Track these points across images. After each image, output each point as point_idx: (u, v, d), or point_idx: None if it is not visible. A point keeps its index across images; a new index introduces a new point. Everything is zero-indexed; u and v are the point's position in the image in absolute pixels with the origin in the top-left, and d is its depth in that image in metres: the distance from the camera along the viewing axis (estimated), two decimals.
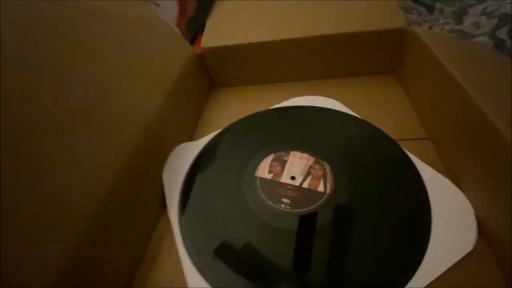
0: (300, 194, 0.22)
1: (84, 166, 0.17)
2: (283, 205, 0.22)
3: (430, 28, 0.44)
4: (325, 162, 0.24)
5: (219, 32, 0.34)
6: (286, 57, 0.33)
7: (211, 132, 0.30)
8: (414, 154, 0.24)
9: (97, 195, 0.17)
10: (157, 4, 0.37)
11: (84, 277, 0.16)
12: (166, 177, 0.24)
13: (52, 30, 0.18)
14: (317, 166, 0.24)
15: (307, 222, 0.20)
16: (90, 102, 0.20)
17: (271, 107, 0.31)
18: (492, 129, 0.17)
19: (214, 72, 0.36)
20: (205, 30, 0.34)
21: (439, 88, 0.24)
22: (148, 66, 0.27)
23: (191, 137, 0.31)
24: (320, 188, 0.22)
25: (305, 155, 0.25)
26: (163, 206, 0.24)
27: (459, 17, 0.45)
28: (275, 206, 0.22)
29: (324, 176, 0.23)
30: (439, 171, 0.22)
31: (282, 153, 0.26)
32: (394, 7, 0.31)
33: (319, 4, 0.32)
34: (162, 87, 0.27)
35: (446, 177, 0.22)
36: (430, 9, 0.47)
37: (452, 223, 0.19)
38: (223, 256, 0.20)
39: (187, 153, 0.27)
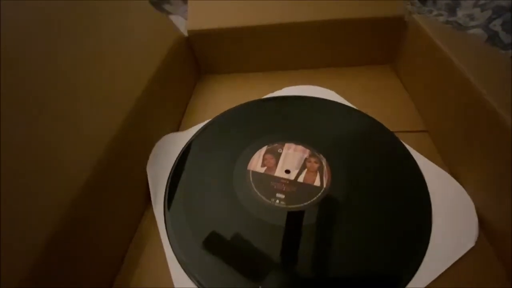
0: (296, 188, 0.21)
1: (58, 157, 0.15)
2: (277, 201, 0.20)
3: None
4: (321, 155, 0.23)
5: (206, 13, 0.31)
6: (279, 43, 0.31)
7: (199, 122, 0.28)
8: (412, 146, 0.23)
9: (74, 188, 0.15)
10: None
11: (61, 275, 0.14)
12: (151, 170, 0.22)
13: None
14: (313, 159, 0.23)
15: (301, 218, 0.19)
16: (63, 86, 0.18)
17: (264, 97, 0.30)
18: (493, 116, 0.17)
19: (202, 58, 0.34)
20: (189, 11, 0.31)
21: (439, 76, 0.23)
22: (129, 50, 0.24)
23: (177, 127, 0.29)
24: (317, 182, 0.21)
25: (300, 147, 0.24)
26: (147, 201, 0.22)
27: (452, 9, 0.44)
28: (269, 201, 0.20)
29: (320, 169, 0.22)
30: (436, 164, 0.22)
31: (276, 145, 0.24)
32: None
33: None
34: (145, 72, 0.25)
35: (444, 169, 0.21)
36: (423, 0, 0.46)
37: (452, 218, 0.18)
38: (211, 254, 0.18)
39: (173, 145, 0.25)
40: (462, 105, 0.20)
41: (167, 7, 0.34)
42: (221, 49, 0.32)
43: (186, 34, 0.31)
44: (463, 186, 0.20)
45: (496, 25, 0.36)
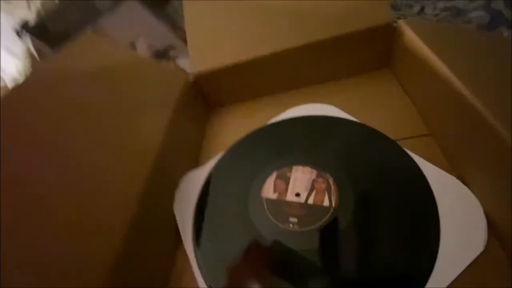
0: (307, 211, 0.23)
1: (96, 216, 0.19)
2: (291, 225, 0.22)
3: (422, 8, 0.43)
4: (327, 174, 0.24)
5: (206, 54, 0.34)
6: (278, 68, 0.33)
7: (215, 155, 0.31)
8: (417, 152, 0.24)
9: (115, 243, 0.18)
10: None
11: None
12: (177, 210, 0.26)
13: None
14: (320, 179, 0.24)
15: (313, 240, 0.21)
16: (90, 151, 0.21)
17: (269, 122, 0.32)
18: (485, 122, 0.17)
19: (210, 94, 0.37)
20: (190, 54, 0.34)
21: (431, 81, 0.23)
22: (144, 105, 0.28)
23: (197, 163, 0.32)
24: (326, 203, 0.23)
25: (307, 168, 0.25)
26: (179, 240, 0.25)
27: None
28: (283, 226, 0.22)
29: (328, 189, 0.24)
30: (443, 168, 0.22)
31: (285, 169, 0.26)
32: (379, 1, 0.30)
33: (298, 10, 0.32)
34: (160, 122, 0.28)
35: (450, 173, 0.22)
36: None
37: (461, 223, 0.19)
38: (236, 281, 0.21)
39: (194, 182, 0.28)
40: (456, 110, 0.21)
41: (172, 53, 0.37)
42: (225, 83, 0.35)
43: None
44: (471, 190, 0.20)
45: (498, 3, 0.35)
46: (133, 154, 0.24)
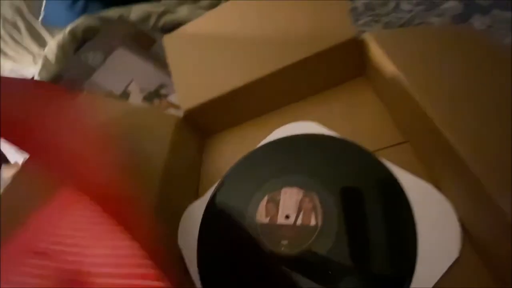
0: (296, 232, 0.24)
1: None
2: (282, 248, 0.24)
3: (397, 4, 0.43)
4: (313, 193, 0.26)
5: (191, 91, 0.36)
6: (260, 93, 0.35)
7: (213, 184, 0.33)
8: (394, 161, 0.25)
9: None
10: None
11: None
12: (182, 244, 0.28)
13: None
14: (306, 199, 0.26)
15: (297, 265, 0.22)
16: None
17: (257, 146, 0.34)
18: (441, 135, 0.18)
19: (202, 125, 0.39)
20: (177, 92, 0.37)
21: (397, 91, 0.24)
22: (142, 150, 0.31)
23: (197, 194, 0.34)
24: (312, 222, 0.24)
25: (294, 189, 0.27)
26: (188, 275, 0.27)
27: None
28: (275, 250, 0.24)
29: (314, 207, 0.25)
30: (420, 175, 0.23)
31: (275, 192, 0.28)
32: (341, 15, 0.31)
33: (270, 39, 0.33)
34: (158, 162, 0.31)
35: (427, 180, 0.23)
36: None
37: (436, 231, 0.20)
38: None
39: (195, 214, 0.31)
40: (419, 120, 0.22)
41: (163, 91, 0.40)
42: (214, 113, 0.38)
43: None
44: (446, 196, 0.21)
45: None
46: (134, 200, 0.27)
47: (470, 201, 0.19)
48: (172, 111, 0.36)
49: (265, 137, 0.34)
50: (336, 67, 0.32)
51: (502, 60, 0.23)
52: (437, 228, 0.20)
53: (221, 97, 0.35)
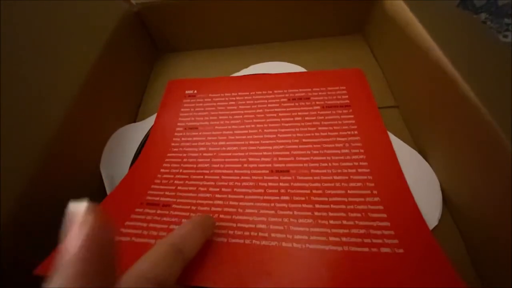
0: None
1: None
2: None
3: None
4: None
5: None
6: (243, 15, 0.28)
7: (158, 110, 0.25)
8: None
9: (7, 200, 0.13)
10: None
11: None
12: (105, 170, 0.20)
13: None
14: None
15: None
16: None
17: (230, 76, 0.27)
18: (461, 97, 0.16)
19: (158, 34, 0.30)
20: None
21: (407, 50, 0.22)
22: (70, 29, 0.21)
23: (135, 117, 0.26)
24: None
25: None
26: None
27: None
28: None
29: None
30: (406, 141, 0.21)
31: None
32: None
33: None
34: (89, 53, 0.21)
35: (413, 146, 0.21)
36: None
37: (418, 197, 0.18)
38: None
39: (130, 139, 0.23)
40: (427, 80, 0.19)
41: None
42: (179, 24, 0.29)
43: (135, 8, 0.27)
44: (430, 164, 0.20)
45: None
46: (52, 84, 0.18)
47: (455, 170, 0.18)
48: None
49: (237, 70, 0.28)
50: (338, 13, 0.28)
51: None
52: (419, 195, 0.18)
53: (190, 0, 0.27)
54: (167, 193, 0.19)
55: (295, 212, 0.17)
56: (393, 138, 0.21)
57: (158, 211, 0.17)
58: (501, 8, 0.33)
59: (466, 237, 0.17)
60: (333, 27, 0.30)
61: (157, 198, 0.18)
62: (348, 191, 0.18)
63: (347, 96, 0.23)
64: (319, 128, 0.21)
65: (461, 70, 0.17)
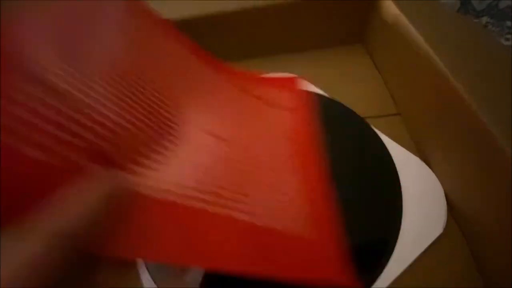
0: None
1: None
2: None
3: None
4: None
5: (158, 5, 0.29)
6: (243, 30, 0.30)
7: None
8: (384, 131, 0.23)
9: None
10: None
11: None
12: None
13: None
14: None
15: None
16: None
17: None
18: (463, 104, 0.16)
19: None
20: None
21: (408, 58, 0.22)
22: None
23: None
24: None
25: None
26: None
27: None
28: None
29: None
30: (409, 148, 0.22)
31: None
32: None
33: None
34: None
35: (415, 154, 0.21)
36: None
37: (422, 205, 0.19)
38: None
39: None
40: (429, 88, 0.20)
41: None
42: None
43: None
44: (434, 171, 0.20)
45: None
46: None
47: (458, 176, 0.18)
48: None
49: None
50: (338, 24, 0.29)
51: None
52: (423, 203, 0.19)
53: (193, 19, 0.28)
54: None
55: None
56: (395, 146, 0.22)
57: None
58: (503, 11, 0.33)
59: (471, 244, 0.17)
60: (333, 38, 0.31)
61: None
62: None
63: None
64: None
65: (461, 79, 0.17)
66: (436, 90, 0.19)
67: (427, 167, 0.20)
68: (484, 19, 0.33)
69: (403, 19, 0.22)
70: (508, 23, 0.32)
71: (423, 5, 0.24)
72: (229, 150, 0.16)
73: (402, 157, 0.21)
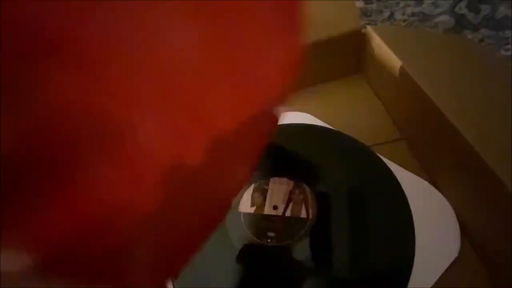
0: (285, 224, 0.22)
1: None
2: (269, 240, 0.22)
3: (392, 14, 0.44)
4: (304, 184, 0.24)
5: None
6: None
7: None
8: (391, 157, 0.24)
9: None
10: None
11: None
12: None
13: None
14: (297, 190, 0.24)
15: (284, 255, 0.20)
16: None
17: None
18: (448, 125, 0.17)
19: None
20: None
21: (398, 86, 0.24)
22: None
23: None
24: (303, 214, 0.22)
25: (284, 179, 0.25)
26: None
27: None
28: (261, 242, 0.22)
29: (305, 200, 0.23)
30: (416, 172, 0.22)
31: (262, 181, 0.25)
32: (348, 7, 0.30)
33: None
34: None
35: (424, 177, 0.22)
36: None
37: (435, 230, 0.19)
38: None
39: None
40: (421, 113, 0.21)
41: None
42: None
43: None
44: (443, 194, 0.20)
45: (461, 7, 0.36)
46: None
47: (468, 197, 0.18)
48: None
49: None
50: (335, 59, 0.31)
51: (498, 64, 0.23)
52: (436, 227, 0.19)
53: None
54: None
55: None
56: (403, 172, 0.23)
57: None
58: (500, 21, 0.33)
59: (488, 265, 0.17)
60: (333, 71, 0.33)
61: None
62: None
63: None
64: None
65: (453, 111, 0.18)
66: (429, 114, 0.20)
67: (436, 191, 0.21)
68: (482, 32, 0.34)
69: (386, 49, 0.24)
70: (507, 33, 0.32)
71: (404, 32, 0.26)
72: None
73: (410, 182, 0.22)
